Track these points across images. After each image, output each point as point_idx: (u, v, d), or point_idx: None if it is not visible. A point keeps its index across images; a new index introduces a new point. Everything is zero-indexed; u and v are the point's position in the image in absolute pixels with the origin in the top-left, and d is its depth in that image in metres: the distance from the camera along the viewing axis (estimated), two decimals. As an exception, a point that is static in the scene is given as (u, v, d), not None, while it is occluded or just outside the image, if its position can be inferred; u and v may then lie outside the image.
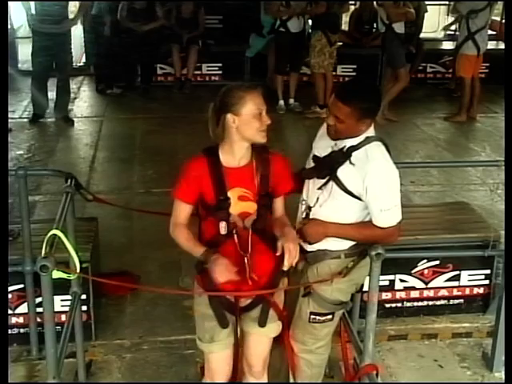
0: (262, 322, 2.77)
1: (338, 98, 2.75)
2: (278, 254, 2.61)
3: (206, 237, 2.72)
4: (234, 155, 2.66)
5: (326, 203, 2.83)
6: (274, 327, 2.82)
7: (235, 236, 2.65)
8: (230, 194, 2.64)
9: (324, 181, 2.82)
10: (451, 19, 11.54)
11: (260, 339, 2.85)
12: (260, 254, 2.69)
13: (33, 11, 7.47)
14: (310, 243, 2.86)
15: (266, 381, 2.97)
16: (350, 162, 2.76)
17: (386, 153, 2.81)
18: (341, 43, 8.72)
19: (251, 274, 2.65)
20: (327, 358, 3.17)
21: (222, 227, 2.65)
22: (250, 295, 2.75)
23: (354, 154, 2.77)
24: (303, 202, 2.96)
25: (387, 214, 2.76)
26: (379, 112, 3.27)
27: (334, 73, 8.55)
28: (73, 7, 8.74)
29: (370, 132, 2.82)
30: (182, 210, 2.72)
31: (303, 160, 3.05)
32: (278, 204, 2.79)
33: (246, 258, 2.65)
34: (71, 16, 7.91)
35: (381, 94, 2.97)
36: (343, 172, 2.77)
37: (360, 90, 2.85)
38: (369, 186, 2.72)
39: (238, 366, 2.90)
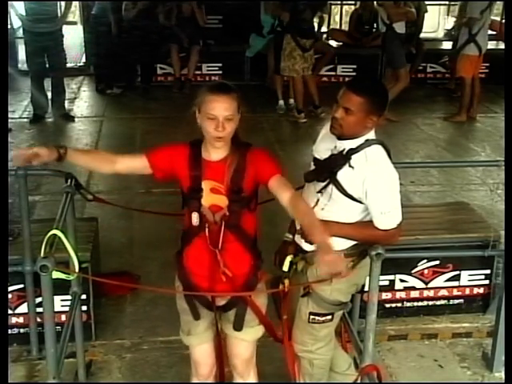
0: (237, 326, 2.76)
1: (351, 89, 2.75)
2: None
3: (184, 227, 2.74)
4: (208, 149, 2.66)
5: (327, 206, 2.83)
6: (251, 332, 2.80)
7: (206, 230, 2.64)
8: (203, 184, 2.64)
9: (324, 184, 2.82)
10: (451, 20, 11.55)
11: (238, 342, 2.84)
12: (235, 253, 2.67)
13: (21, 11, 7.47)
14: (311, 243, 2.86)
15: (253, 378, 2.97)
16: (350, 165, 2.75)
17: (386, 156, 2.80)
18: (337, 43, 8.67)
19: (223, 268, 2.64)
20: (330, 360, 3.15)
21: (194, 218, 2.65)
22: (225, 296, 2.74)
23: (353, 157, 2.76)
24: None
25: (387, 216, 2.75)
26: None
27: (334, 74, 8.56)
28: (73, 7, 8.75)
29: (371, 135, 2.81)
30: (135, 158, 2.72)
31: (303, 160, 3.05)
32: (273, 185, 2.61)
33: (218, 254, 2.63)
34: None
35: (388, 96, 2.96)
36: (343, 175, 2.77)
37: (373, 84, 2.92)
38: (368, 189, 2.72)
39: (223, 358, 2.91)
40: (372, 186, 2.71)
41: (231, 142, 2.66)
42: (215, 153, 2.65)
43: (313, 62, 8.17)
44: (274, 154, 2.81)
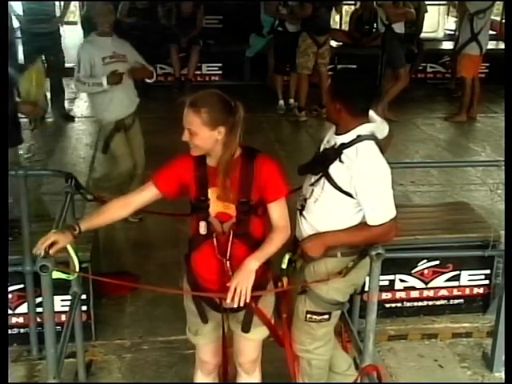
0: (246, 328, 2.77)
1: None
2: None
3: (192, 233, 2.73)
4: (211, 155, 2.64)
5: (320, 199, 2.85)
6: (258, 331, 2.81)
7: (214, 240, 2.63)
8: (209, 192, 2.63)
9: (317, 177, 2.84)
10: (451, 20, 11.54)
11: (246, 342, 2.86)
12: (244, 259, 2.63)
13: (19, 11, 7.47)
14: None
15: (257, 374, 2.98)
16: (340, 160, 2.77)
17: (377, 151, 2.78)
18: (337, 43, 8.63)
19: (231, 276, 2.62)
20: (328, 361, 3.15)
21: (202, 227, 2.64)
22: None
23: (344, 151, 2.77)
24: (301, 195, 2.98)
25: (379, 211, 2.75)
26: (378, 111, 3.24)
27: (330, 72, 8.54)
28: (72, 7, 8.74)
29: (363, 131, 2.80)
30: (145, 191, 2.72)
31: (303, 159, 3.05)
32: (272, 210, 2.67)
33: (226, 262, 2.62)
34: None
35: (376, 91, 2.97)
36: (334, 169, 2.78)
37: (344, 79, 3.01)
38: (356, 184, 2.73)
39: (227, 355, 2.93)
40: (360, 181, 2.72)
41: (242, 148, 2.63)
42: (217, 158, 2.61)
43: (329, 56, 8.21)
44: (273, 155, 2.82)
